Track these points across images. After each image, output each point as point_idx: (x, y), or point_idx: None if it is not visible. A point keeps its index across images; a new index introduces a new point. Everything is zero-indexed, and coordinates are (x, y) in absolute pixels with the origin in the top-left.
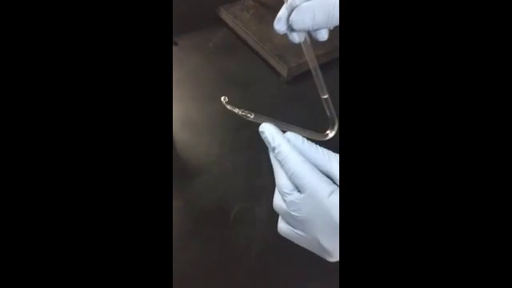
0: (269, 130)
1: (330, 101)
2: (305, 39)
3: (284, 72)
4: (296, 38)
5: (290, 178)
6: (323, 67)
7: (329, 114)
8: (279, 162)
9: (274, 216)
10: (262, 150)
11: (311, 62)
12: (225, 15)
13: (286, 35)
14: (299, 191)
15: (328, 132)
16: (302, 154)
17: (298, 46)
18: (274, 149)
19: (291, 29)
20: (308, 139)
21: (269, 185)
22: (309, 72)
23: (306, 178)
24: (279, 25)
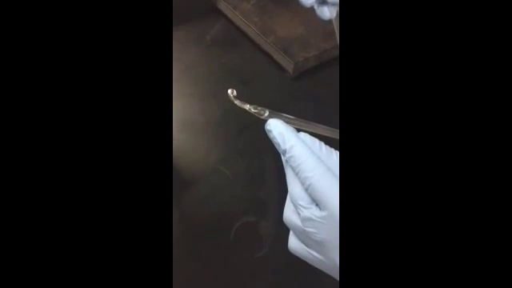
0: (278, 129)
1: None
2: (337, 14)
3: (289, 67)
4: (326, 12)
5: (307, 190)
6: (331, 62)
7: None
8: (293, 168)
9: (281, 233)
10: (266, 154)
11: None
12: (223, 5)
13: (312, 8)
14: (318, 206)
15: None
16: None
17: (305, 38)
18: (285, 152)
19: (322, 1)
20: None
21: (275, 195)
22: (317, 67)
23: (327, 193)
24: None
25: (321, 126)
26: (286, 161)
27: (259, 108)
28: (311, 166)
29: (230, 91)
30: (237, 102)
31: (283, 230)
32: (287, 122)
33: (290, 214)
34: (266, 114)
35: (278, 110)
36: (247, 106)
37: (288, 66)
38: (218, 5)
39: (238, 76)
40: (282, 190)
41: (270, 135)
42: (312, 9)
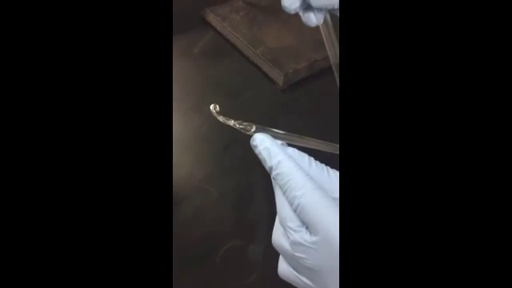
0: (264, 143)
1: None
2: (325, 20)
3: (279, 79)
4: (313, 18)
5: (295, 211)
6: (323, 73)
7: None
8: (280, 187)
9: (271, 256)
10: (255, 171)
11: (332, 50)
12: (212, 18)
13: (298, 15)
14: (308, 229)
15: None
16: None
17: (295, 49)
18: (271, 169)
19: (307, 5)
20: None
21: (265, 216)
22: (308, 78)
23: (318, 215)
24: (290, 0)
25: (313, 140)
26: (274, 178)
27: (245, 123)
28: (300, 184)
29: (212, 107)
30: (220, 118)
31: (274, 254)
32: (277, 137)
33: (278, 237)
34: (253, 129)
35: (267, 124)
36: (232, 122)
37: (277, 77)
38: (207, 17)
39: (225, 89)
40: (272, 211)
41: (256, 151)
42: (299, 17)
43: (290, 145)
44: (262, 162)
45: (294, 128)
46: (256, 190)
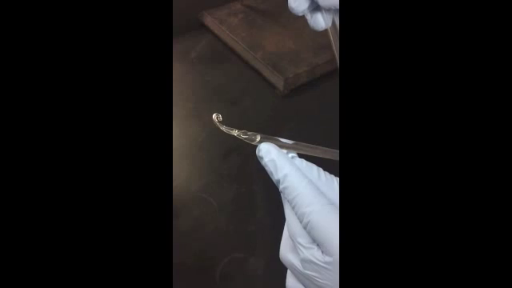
0: (269, 155)
1: None
2: (333, 22)
3: (280, 84)
4: (321, 21)
5: (305, 228)
6: (324, 78)
7: None
8: (288, 201)
9: (273, 269)
10: (256, 180)
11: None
12: (209, 21)
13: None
14: (319, 247)
15: None
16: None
17: (295, 53)
18: (278, 182)
19: (315, 6)
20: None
21: (265, 227)
22: (309, 83)
23: (329, 234)
24: (297, 1)
25: (320, 148)
26: (281, 192)
27: (249, 133)
28: (308, 200)
29: (214, 116)
30: (223, 128)
31: (275, 268)
32: (281, 147)
33: (286, 252)
34: (258, 139)
35: (269, 131)
36: (235, 132)
37: (278, 82)
38: (204, 20)
39: (224, 95)
40: (274, 222)
41: (262, 163)
42: (303, 21)
43: (299, 155)
44: (269, 174)
45: (296, 135)
46: (257, 199)
